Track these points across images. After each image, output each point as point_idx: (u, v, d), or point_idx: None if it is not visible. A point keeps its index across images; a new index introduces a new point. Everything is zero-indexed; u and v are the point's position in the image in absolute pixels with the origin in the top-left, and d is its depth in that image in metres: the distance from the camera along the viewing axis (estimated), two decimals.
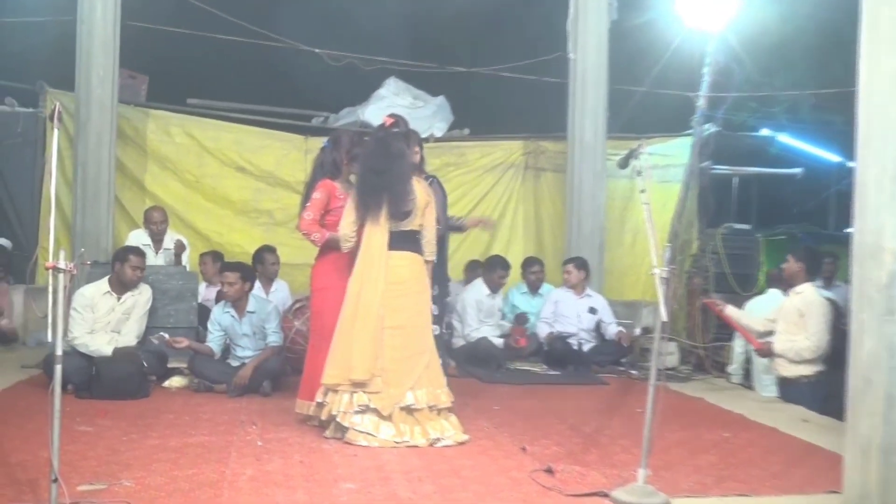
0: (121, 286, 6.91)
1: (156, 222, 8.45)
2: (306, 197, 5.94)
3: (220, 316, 7.09)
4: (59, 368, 3.67)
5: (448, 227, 6.64)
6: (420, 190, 5.45)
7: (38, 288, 7.68)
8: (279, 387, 6.79)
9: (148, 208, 8.79)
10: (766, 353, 6.89)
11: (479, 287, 8.85)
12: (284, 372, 7.00)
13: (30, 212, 9.66)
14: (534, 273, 9.22)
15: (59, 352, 3.69)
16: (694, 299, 8.72)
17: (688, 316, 8.77)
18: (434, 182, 6.20)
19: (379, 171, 5.37)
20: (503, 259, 9.10)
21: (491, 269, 8.88)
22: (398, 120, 5.75)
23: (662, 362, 5.05)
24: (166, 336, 6.96)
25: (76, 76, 8.51)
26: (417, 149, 5.94)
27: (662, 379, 5.00)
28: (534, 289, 9.23)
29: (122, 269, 6.89)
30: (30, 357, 7.73)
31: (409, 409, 5.16)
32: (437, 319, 6.15)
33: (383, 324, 5.22)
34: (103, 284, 6.93)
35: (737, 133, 10.94)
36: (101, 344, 6.68)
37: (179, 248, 8.29)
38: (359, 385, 5.14)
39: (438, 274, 6.18)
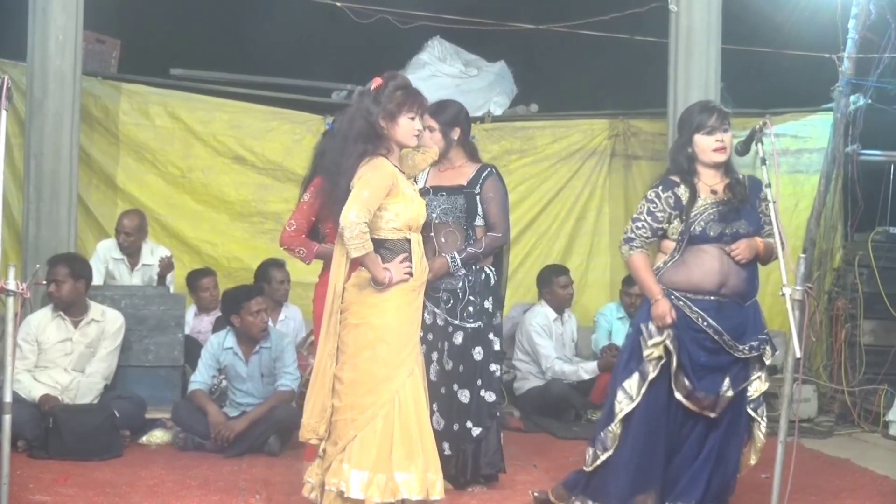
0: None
1: (130, 231, 8.50)
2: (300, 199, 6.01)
3: (219, 351, 7.15)
4: (7, 419, 3.69)
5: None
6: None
7: None
8: (290, 444, 6.81)
9: (122, 213, 8.87)
10: None
11: (541, 311, 8.80)
12: (297, 424, 7.01)
13: None
14: (637, 294, 9.13)
15: (7, 398, 3.71)
16: (838, 328, 8.62)
17: (829, 350, 8.67)
18: (493, 175, 6.18)
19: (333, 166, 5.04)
20: (558, 266, 9.23)
21: (547, 282, 8.90)
22: (386, 81, 5.38)
23: (795, 412, 4.97)
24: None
25: (28, 41, 8.62)
26: (457, 129, 6.02)
27: (795, 434, 4.94)
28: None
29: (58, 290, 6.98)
30: None
31: None
32: (497, 356, 6.14)
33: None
34: (51, 308, 7.06)
35: (893, 107, 10.80)
36: (28, 382, 6.75)
37: (166, 267, 8.38)
38: None
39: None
